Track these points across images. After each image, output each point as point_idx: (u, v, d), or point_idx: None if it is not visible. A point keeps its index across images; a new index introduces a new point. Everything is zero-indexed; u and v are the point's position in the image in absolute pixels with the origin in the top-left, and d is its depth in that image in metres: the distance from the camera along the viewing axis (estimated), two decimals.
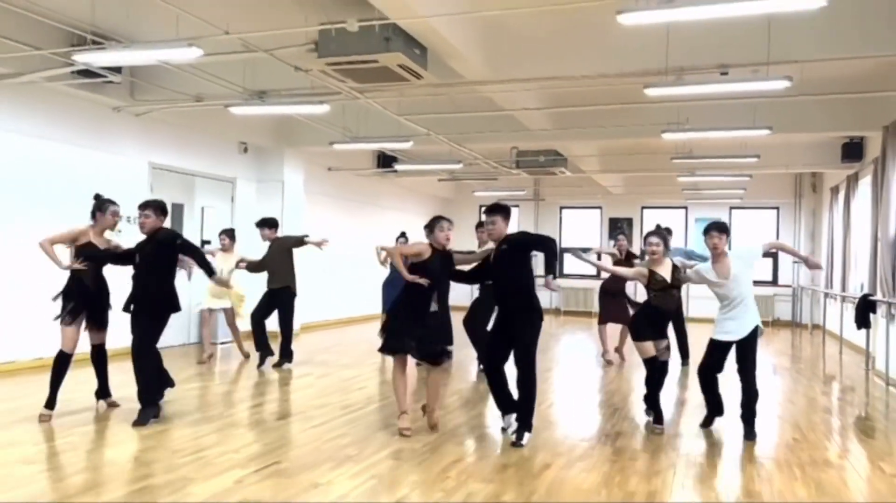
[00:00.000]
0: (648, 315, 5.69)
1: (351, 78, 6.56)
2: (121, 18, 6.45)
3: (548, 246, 5.08)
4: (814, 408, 6.86)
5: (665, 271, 5.61)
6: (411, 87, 7.19)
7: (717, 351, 5.42)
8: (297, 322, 11.91)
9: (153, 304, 5.45)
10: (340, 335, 12.18)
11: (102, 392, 5.91)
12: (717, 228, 5.41)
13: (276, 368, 8.16)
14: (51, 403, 5.42)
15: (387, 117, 9.17)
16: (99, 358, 5.84)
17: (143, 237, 5.65)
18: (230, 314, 8.73)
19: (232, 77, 7.92)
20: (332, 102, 8.07)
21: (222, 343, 10.31)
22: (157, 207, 5.62)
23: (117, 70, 7.65)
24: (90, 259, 5.53)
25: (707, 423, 5.67)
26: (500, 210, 5.30)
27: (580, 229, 18.55)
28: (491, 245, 5.49)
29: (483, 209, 5.50)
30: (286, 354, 8.36)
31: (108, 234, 5.96)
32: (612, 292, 8.99)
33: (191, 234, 10.13)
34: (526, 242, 5.21)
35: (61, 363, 5.45)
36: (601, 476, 4.36)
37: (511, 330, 5.06)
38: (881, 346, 8.56)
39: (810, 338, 13.57)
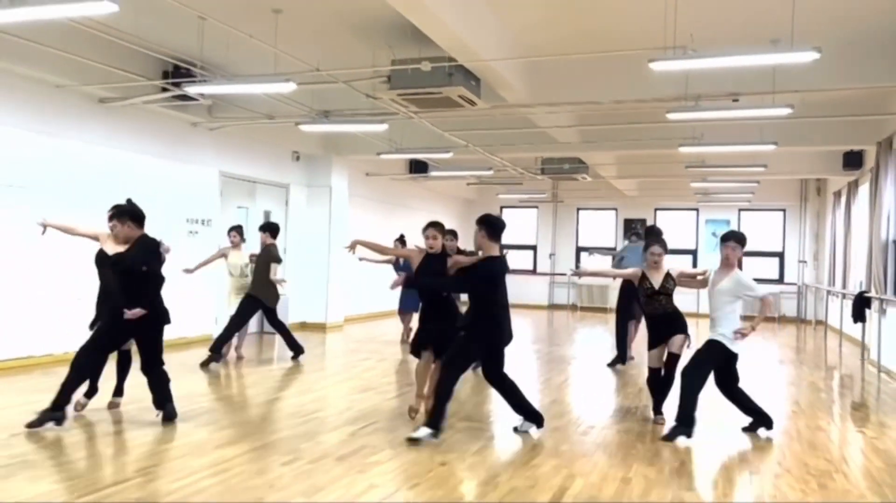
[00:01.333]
0: (648, 322, 5.89)
1: (415, 105, 7.67)
2: (220, 52, 7.54)
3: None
4: (812, 389, 7.91)
5: (657, 278, 5.74)
6: (462, 110, 8.28)
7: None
8: (342, 314, 13.09)
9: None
10: (384, 326, 13.22)
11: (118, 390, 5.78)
12: (736, 239, 5.44)
13: (203, 368, 7.87)
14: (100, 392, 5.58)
15: (429, 130, 10.27)
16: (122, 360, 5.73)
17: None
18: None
19: (299, 98, 9.02)
20: (387, 120, 9.18)
21: (269, 333, 11.44)
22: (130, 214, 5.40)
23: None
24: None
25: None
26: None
27: (596, 229, 19.62)
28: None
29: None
30: (217, 350, 8.06)
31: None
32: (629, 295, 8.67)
33: (253, 235, 11.34)
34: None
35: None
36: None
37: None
38: (874, 338, 9.59)
39: (814, 332, 14.58)
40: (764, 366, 9.60)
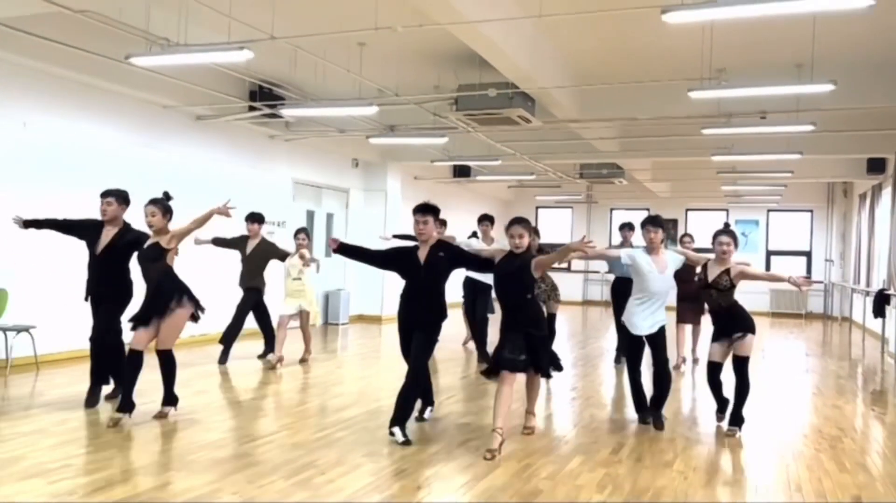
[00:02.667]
0: (711, 315, 5.62)
1: (477, 123, 8.72)
2: (309, 77, 8.64)
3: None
4: (832, 376, 8.78)
5: (715, 270, 5.39)
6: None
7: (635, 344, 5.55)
8: (396, 308, 14.15)
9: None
10: None
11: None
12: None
13: (221, 365, 7.96)
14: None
15: (480, 140, 11.28)
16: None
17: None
18: (305, 318, 8.19)
19: (365, 112, 10.07)
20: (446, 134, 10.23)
21: (343, 324, 12.59)
22: (118, 196, 5.66)
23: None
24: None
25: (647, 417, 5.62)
26: (430, 210, 5.09)
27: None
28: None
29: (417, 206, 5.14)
30: (228, 343, 8.14)
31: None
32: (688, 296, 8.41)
33: (319, 235, 12.47)
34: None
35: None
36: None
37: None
38: (893, 332, 10.42)
39: (839, 328, 15.35)
40: (790, 357, 10.49)
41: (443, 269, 5.07)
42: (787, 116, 8.46)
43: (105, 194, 5.64)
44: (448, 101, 8.40)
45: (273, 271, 8.73)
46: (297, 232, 8.41)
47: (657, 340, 5.42)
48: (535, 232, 7.39)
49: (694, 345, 9.06)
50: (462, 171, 15.92)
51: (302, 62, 7.84)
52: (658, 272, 5.39)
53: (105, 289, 5.60)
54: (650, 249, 5.45)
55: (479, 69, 7.77)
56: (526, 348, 4.77)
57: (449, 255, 5.08)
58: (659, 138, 10.70)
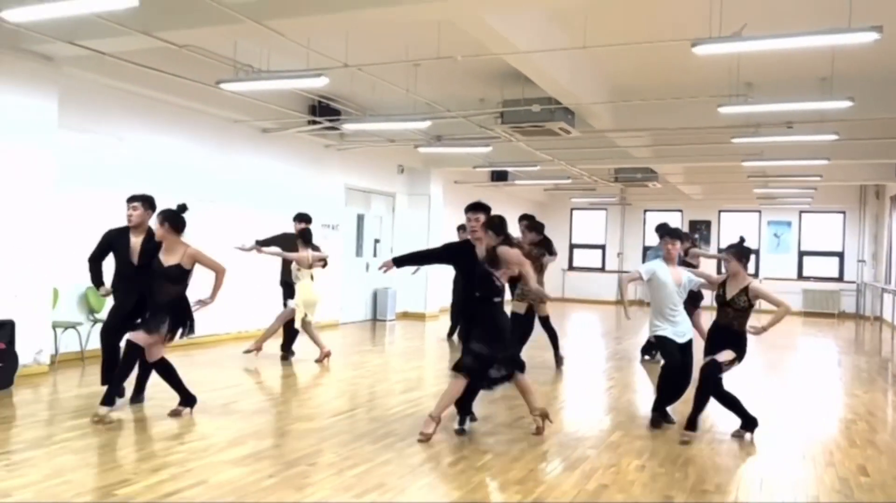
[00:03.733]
0: (712, 328, 5.50)
1: (520, 134, 9.45)
2: (365, 93, 9.46)
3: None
4: (856, 370, 9.32)
5: (733, 289, 5.30)
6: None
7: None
8: (438, 305, 14.96)
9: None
10: None
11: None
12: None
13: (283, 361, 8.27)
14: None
15: (520, 148, 11.98)
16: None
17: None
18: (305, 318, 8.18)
19: (418, 126, 10.87)
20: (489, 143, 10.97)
21: (390, 320, 13.41)
22: (145, 200, 5.62)
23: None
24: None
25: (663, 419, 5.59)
26: (482, 208, 5.24)
27: None
28: None
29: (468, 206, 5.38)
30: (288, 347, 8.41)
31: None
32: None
33: (369, 237, 13.36)
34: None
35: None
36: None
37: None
38: None
39: (871, 327, 15.71)
40: (819, 355, 11.00)
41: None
42: (813, 125, 9.03)
43: (132, 199, 5.61)
44: (493, 114, 9.14)
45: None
46: (299, 226, 8.38)
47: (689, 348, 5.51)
48: (534, 228, 8.16)
49: None
50: (500, 176, 16.64)
51: (359, 79, 8.65)
52: (675, 283, 5.47)
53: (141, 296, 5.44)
54: (667, 260, 5.56)
55: (523, 85, 8.50)
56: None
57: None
58: (691, 145, 11.29)
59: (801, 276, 18.90)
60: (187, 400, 5.45)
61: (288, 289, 8.43)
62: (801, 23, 5.87)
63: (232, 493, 3.79)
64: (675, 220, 20.76)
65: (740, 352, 5.20)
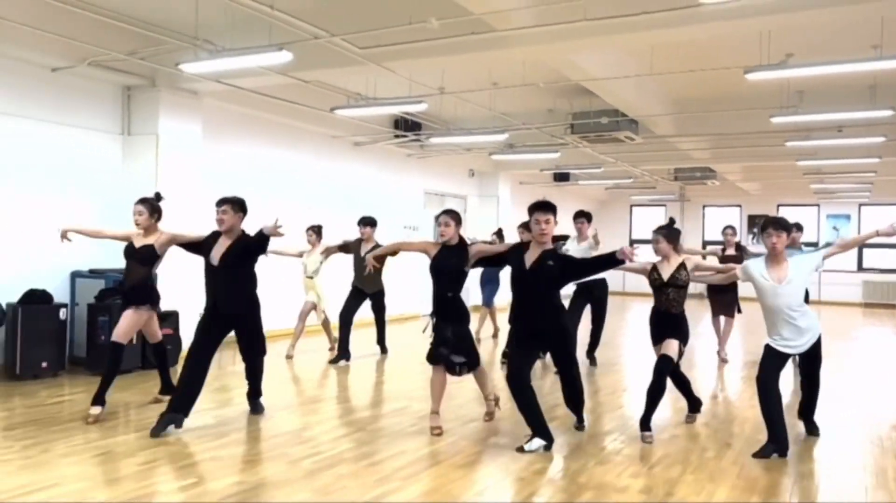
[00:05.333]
0: (652, 316, 5.34)
1: (588, 142, 10.45)
2: (450, 109, 10.61)
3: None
4: None
5: (667, 269, 5.18)
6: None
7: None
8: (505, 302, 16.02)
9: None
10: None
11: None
12: (775, 225, 4.69)
13: (332, 364, 8.14)
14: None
15: (584, 151, 12.94)
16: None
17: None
18: (308, 307, 8.39)
19: (496, 138, 11.95)
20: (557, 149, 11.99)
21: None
22: (235, 203, 5.27)
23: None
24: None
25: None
26: (549, 208, 4.75)
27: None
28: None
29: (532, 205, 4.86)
30: (344, 349, 8.18)
31: None
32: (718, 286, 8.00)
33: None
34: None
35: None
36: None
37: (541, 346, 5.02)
38: None
39: None
40: (881, 345, 11.61)
41: (552, 278, 4.70)
42: (863, 129, 9.76)
43: (221, 202, 5.28)
44: (563, 125, 10.17)
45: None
46: (308, 229, 8.36)
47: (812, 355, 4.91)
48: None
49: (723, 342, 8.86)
50: (562, 176, 17.60)
51: (446, 99, 9.80)
52: (775, 282, 4.66)
53: (232, 301, 5.25)
54: (769, 257, 4.73)
55: (591, 97, 9.50)
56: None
57: (559, 265, 4.70)
58: (747, 148, 12.07)
59: (861, 268, 19.25)
60: (169, 390, 5.70)
61: (379, 295, 8.37)
62: (844, 43, 6.71)
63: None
64: (734, 216, 21.32)
65: (685, 337, 5.19)
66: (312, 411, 6.10)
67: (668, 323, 5.18)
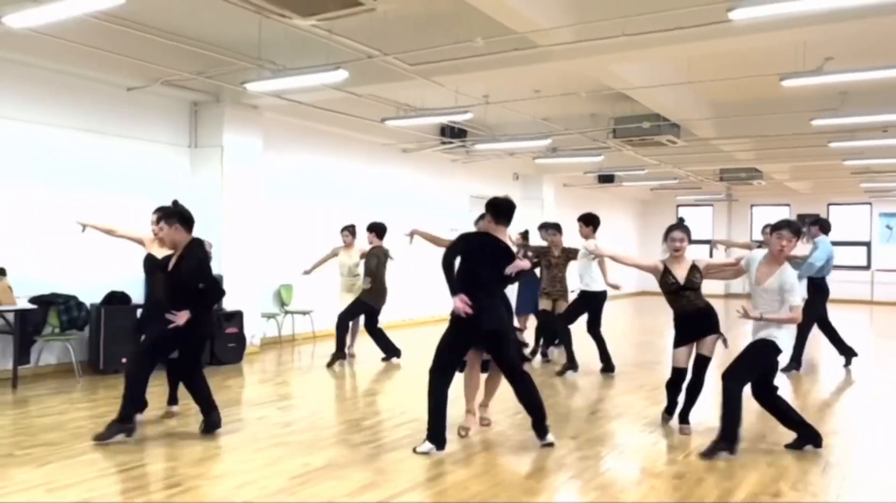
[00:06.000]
0: (679, 319, 5.27)
1: (630, 145, 10.68)
2: (494, 117, 10.98)
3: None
4: None
5: (681, 271, 5.11)
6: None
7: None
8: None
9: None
10: None
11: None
12: (792, 230, 4.60)
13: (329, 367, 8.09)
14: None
15: (628, 154, 13.13)
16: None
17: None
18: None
19: (540, 144, 12.25)
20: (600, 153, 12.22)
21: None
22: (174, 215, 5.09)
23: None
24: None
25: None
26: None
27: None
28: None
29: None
30: (393, 351, 8.36)
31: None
32: None
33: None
34: None
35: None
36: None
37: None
38: None
39: None
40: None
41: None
42: None
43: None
44: (605, 130, 10.43)
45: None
46: (343, 228, 8.48)
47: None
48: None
49: None
50: (606, 178, 17.76)
51: (491, 108, 10.17)
52: (755, 283, 4.69)
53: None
54: (768, 256, 4.69)
55: (632, 102, 9.74)
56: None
57: None
58: (792, 149, 12.10)
59: None
60: (174, 399, 5.62)
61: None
62: (887, 45, 6.79)
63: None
64: (782, 215, 21.09)
65: (718, 328, 5.23)
66: (369, 403, 6.56)
67: (701, 319, 5.18)
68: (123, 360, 7.28)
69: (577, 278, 7.77)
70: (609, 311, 8.27)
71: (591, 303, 7.68)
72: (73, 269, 7.40)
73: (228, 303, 8.23)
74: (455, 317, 4.69)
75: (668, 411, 5.48)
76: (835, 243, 8.04)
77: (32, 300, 6.84)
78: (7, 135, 7.01)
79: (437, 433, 4.67)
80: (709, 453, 4.57)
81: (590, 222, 7.68)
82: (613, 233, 18.94)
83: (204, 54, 7.31)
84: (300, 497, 3.88)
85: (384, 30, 6.51)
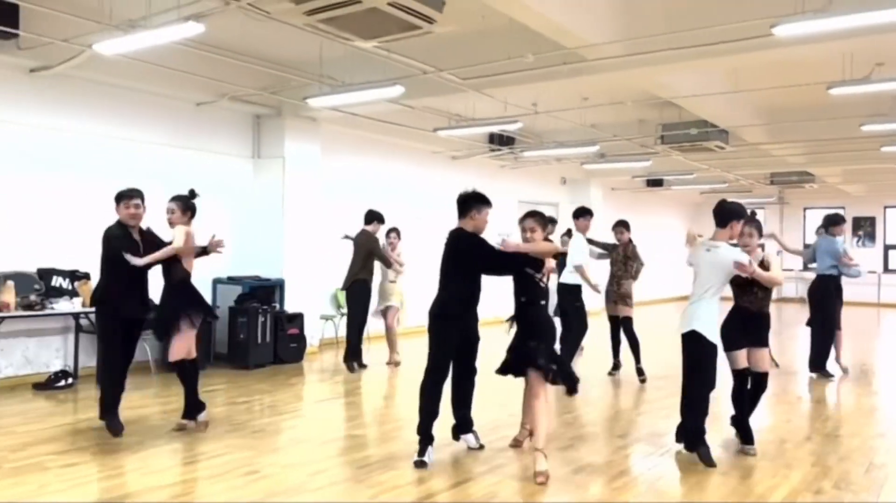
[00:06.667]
0: (735, 317, 4.95)
1: (679, 151, 10.79)
2: (542, 124, 11.23)
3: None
4: None
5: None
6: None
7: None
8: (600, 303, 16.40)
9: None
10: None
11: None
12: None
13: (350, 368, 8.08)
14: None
15: (676, 159, 13.19)
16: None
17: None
18: (393, 313, 8.31)
19: (589, 150, 12.43)
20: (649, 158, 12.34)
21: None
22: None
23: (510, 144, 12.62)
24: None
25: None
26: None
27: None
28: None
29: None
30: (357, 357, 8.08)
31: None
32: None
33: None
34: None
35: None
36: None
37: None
38: None
39: None
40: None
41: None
42: None
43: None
44: (653, 136, 10.57)
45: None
46: (389, 231, 8.35)
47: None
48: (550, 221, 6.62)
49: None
50: (655, 182, 17.77)
51: (539, 116, 10.43)
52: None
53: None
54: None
55: (679, 109, 9.86)
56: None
57: None
58: (844, 152, 12.01)
59: None
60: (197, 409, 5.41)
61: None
62: None
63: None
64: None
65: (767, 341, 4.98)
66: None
67: (757, 325, 4.91)
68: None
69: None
70: (661, 313, 8.40)
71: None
72: (150, 274, 7.89)
73: (290, 306, 8.71)
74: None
75: (740, 427, 5.01)
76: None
77: None
78: (91, 149, 7.57)
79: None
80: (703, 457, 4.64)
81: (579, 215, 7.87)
82: (664, 236, 18.94)
83: (268, 72, 7.77)
84: (367, 485, 4.22)
85: (438, 46, 6.84)
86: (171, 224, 5.24)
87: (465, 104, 9.17)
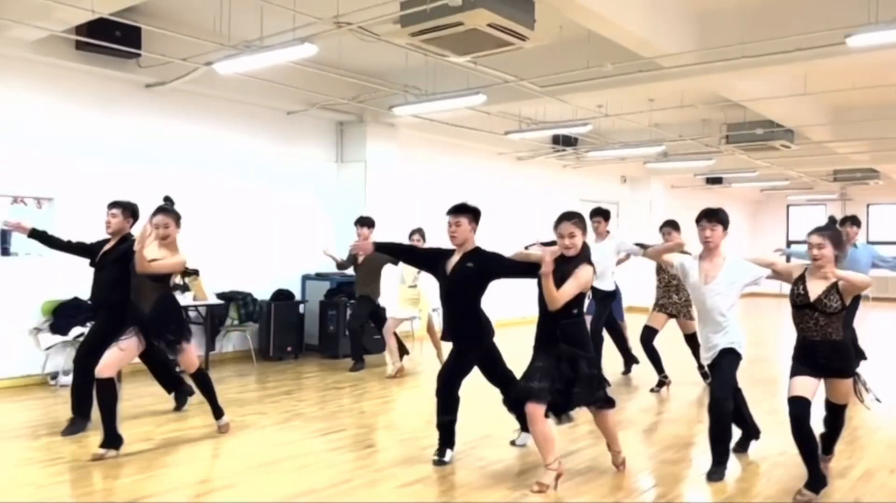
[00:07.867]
0: (800, 346, 4.13)
1: (744, 151, 11.00)
2: (606, 125, 11.57)
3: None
4: None
5: (817, 286, 3.97)
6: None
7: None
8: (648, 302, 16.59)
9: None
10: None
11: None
12: (708, 216, 4.39)
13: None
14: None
15: (739, 157, 13.32)
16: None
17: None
18: (394, 324, 7.81)
19: (654, 150, 12.69)
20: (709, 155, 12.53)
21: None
22: (125, 208, 5.15)
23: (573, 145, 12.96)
24: None
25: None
26: (465, 210, 4.64)
27: (888, 224, 20.63)
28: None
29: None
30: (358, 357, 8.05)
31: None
32: None
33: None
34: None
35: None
36: None
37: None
38: None
39: None
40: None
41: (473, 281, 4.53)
42: None
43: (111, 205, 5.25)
44: (717, 136, 10.81)
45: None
46: (412, 232, 7.91)
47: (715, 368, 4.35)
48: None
49: None
50: (715, 179, 17.84)
51: (606, 118, 10.79)
52: (704, 283, 4.31)
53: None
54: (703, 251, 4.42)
55: (744, 109, 10.07)
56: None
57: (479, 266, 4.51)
58: None
59: None
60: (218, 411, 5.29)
61: (368, 302, 8.04)
62: None
63: None
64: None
65: (851, 369, 4.17)
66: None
67: (828, 352, 3.98)
68: (288, 349, 8.49)
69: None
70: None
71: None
72: (248, 270, 8.62)
73: None
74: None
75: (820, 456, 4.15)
76: None
77: (218, 296, 8.07)
78: (193, 152, 8.26)
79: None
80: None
81: (607, 216, 7.50)
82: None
83: (356, 82, 8.35)
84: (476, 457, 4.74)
85: (516, 56, 7.28)
86: (166, 238, 4.75)
87: (536, 108, 9.60)
